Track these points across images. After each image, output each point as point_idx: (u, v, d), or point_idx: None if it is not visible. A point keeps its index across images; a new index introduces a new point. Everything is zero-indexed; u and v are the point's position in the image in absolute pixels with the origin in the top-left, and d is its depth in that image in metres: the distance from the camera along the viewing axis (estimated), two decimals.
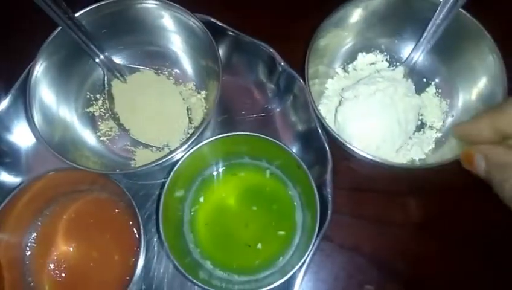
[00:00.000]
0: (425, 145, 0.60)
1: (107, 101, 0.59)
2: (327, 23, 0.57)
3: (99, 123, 0.61)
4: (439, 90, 0.62)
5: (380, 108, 0.57)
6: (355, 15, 0.59)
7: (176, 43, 0.61)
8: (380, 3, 0.58)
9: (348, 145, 0.52)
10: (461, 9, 0.55)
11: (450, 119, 0.61)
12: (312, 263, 0.56)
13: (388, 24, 0.61)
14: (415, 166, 0.57)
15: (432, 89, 0.62)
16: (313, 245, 0.49)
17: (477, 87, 0.58)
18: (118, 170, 0.53)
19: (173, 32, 0.59)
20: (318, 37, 0.56)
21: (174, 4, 0.55)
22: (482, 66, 0.56)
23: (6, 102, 0.58)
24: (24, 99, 0.57)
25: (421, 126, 0.62)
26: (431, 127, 0.61)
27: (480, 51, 0.55)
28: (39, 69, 0.53)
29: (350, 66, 0.64)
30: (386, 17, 0.60)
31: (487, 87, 0.56)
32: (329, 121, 0.60)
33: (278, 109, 0.62)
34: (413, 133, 0.61)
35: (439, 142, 0.60)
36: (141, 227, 0.50)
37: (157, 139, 0.58)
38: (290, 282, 0.52)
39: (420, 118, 0.62)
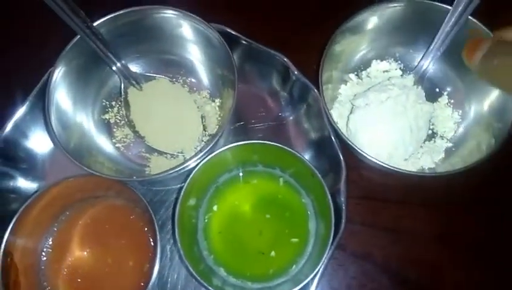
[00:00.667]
0: (435, 154, 0.60)
1: (123, 109, 0.60)
2: (343, 29, 0.57)
3: (114, 130, 0.62)
4: (452, 101, 0.62)
5: (391, 116, 0.58)
6: (371, 22, 0.60)
7: (192, 52, 0.61)
8: (395, 12, 0.59)
9: (362, 152, 0.53)
10: (474, 20, 0.55)
11: (461, 130, 0.61)
12: (325, 272, 0.56)
13: (403, 33, 0.62)
14: (426, 173, 0.57)
15: (444, 99, 0.63)
16: (327, 254, 0.50)
17: (489, 98, 0.58)
18: (134, 177, 0.53)
19: (189, 41, 0.60)
20: (334, 43, 0.57)
21: (191, 14, 0.55)
22: None
23: (23, 109, 0.58)
24: (41, 106, 0.58)
25: (432, 135, 0.62)
26: (442, 137, 0.61)
27: None
28: (58, 75, 0.54)
29: (364, 72, 0.65)
30: (402, 26, 0.61)
31: (499, 98, 0.56)
32: (341, 126, 0.61)
33: (291, 117, 0.63)
34: (424, 142, 0.61)
35: (449, 152, 0.60)
36: (157, 233, 0.50)
37: (171, 146, 0.59)
38: None
39: (431, 127, 0.62)
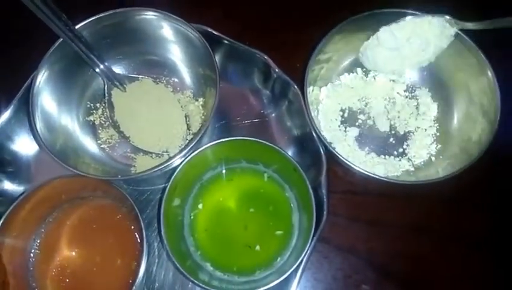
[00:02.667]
0: (390, 169, 0.61)
1: (107, 110, 0.60)
2: (336, 31, 0.58)
3: (99, 131, 0.63)
4: (438, 134, 0.63)
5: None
6: (361, 29, 0.60)
7: (174, 53, 0.62)
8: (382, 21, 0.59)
9: (335, 153, 0.55)
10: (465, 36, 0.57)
11: (431, 161, 0.61)
12: (310, 264, 0.58)
13: None
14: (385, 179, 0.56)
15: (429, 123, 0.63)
16: (310, 245, 0.51)
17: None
18: (119, 176, 0.54)
19: (171, 42, 0.61)
20: (325, 44, 0.58)
21: (172, 15, 0.56)
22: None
23: (8, 112, 0.59)
24: (26, 109, 0.58)
25: (401, 154, 0.62)
26: (409, 160, 0.62)
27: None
28: (41, 78, 0.55)
29: (348, 76, 0.65)
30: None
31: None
32: (324, 127, 0.62)
33: (273, 114, 0.64)
34: (389, 156, 0.62)
35: (406, 172, 0.61)
36: (143, 232, 0.51)
37: (156, 145, 0.60)
38: (288, 282, 0.53)
39: (404, 147, 0.62)
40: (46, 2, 0.49)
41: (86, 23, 0.56)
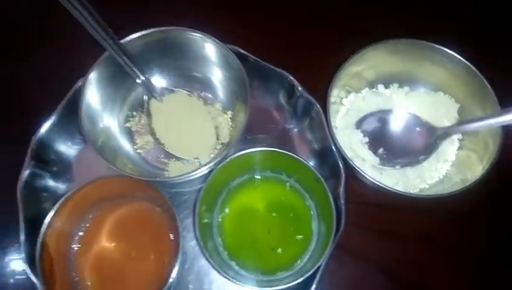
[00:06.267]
0: (409, 186, 0.65)
1: (145, 118, 0.66)
2: (355, 57, 0.63)
3: (136, 137, 0.68)
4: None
5: None
6: (382, 55, 0.65)
7: (211, 71, 0.67)
8: (403, 48, 0.65)
9: (358, 169, 0.59)
10: (472, 66, 0.61)
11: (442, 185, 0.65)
12: (326, 268, 0.61)
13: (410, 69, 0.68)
14: (410, 194, 0.60)
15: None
16: (329, 250, 0.55)
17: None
18: (158, 178, 0.59)
19: (210, 61, 0.65)
20: (345, 67, 0.63)
21: (214, 38, 0.61)
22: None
23: (54, 116, 0.63)
24: (69, 115, 0.63)
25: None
26: (424, 180, 0.66)
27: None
28: (89, 85, 0.60)
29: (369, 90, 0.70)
30: (408, 62, 0.67)
31: None
32: (343, 143, 0.66)
33: (295, 130, 0.69)
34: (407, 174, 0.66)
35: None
36: (179, 231, 0.55)
37: (188, 153, 0.65)
38: (307, 285, 0.57)
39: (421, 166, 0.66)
40: (93, 15, 0.52)
41: (131, 39, 0.61)
